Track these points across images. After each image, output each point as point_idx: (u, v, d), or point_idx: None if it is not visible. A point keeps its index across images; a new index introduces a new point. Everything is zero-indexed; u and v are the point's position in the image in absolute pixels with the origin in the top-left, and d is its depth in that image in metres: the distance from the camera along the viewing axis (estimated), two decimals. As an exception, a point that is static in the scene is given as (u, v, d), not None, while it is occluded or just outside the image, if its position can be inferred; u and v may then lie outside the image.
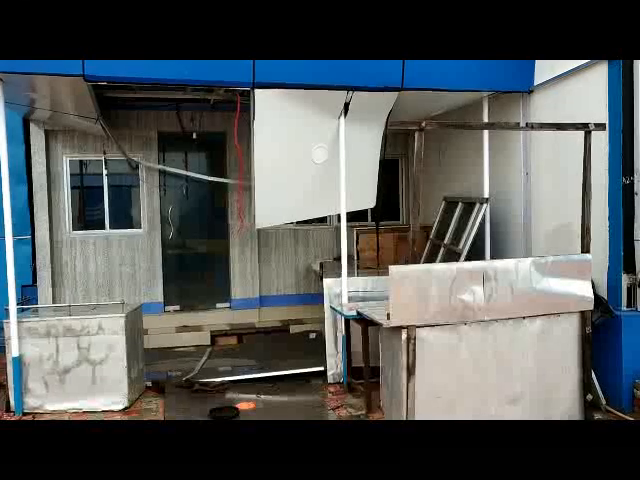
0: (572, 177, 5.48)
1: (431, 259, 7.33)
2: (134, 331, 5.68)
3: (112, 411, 5.39)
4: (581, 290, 4.67)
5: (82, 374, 5.36)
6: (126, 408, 5.43)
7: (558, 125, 4.56)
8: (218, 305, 8.52)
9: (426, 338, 4.43)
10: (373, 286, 6.15)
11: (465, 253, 6.09)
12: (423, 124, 4.23)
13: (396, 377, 4.58)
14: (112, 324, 5.37)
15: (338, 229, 8.70)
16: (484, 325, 4.53)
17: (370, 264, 7.59)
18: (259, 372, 6.29)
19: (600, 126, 4.65)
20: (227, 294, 8.54)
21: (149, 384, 6.09)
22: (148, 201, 8.08)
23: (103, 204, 7.99)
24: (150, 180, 8.08)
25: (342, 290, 5.99)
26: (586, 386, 4.72)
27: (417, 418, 4.41)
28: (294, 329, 8.16)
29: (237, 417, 5.19)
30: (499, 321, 4.55)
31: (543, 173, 5.95)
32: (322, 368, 6.19)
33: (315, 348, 7.08)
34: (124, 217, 8.19)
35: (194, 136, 7.74)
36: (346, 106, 5.81)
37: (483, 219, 6.23)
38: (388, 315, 4.40)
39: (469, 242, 6.10)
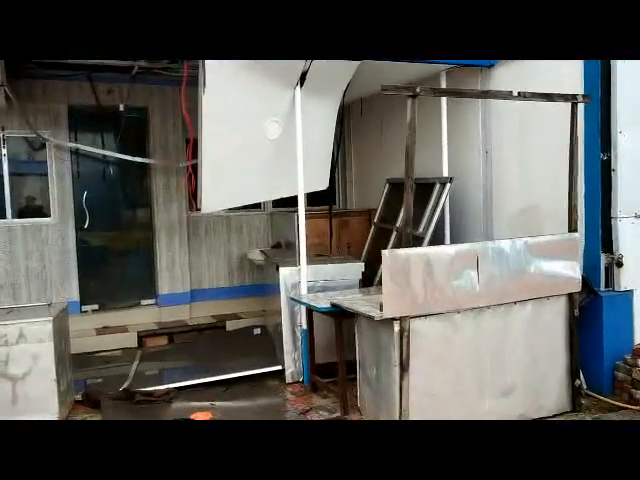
0: (539, 155, 5.30)
1: (377, 244, 6.94)
2: (61, 337, 4.78)
3: (39, 435, 4.47)
4: (569, 271, 4.45)
5: (-1, 393, 4.41)
6: (57, 430, 4.54)
7: (547, 95, 4.29)
8: (143, 302, 7.62)
9: (419, 330, 4.01)
10: (334, 274, 5.64)
11: (428, 237, 5.73)
12: (418, 89, 3.76)
13: (385, 374, 4.12)
14: (37, 331, 4.45)
15: (273, 215, 8.18)
16: (477, 313, 4.19)
17: (315, 251, 7.06)
18: (206, 376, 5.57)
19: (586, 97, 4.43)
20: (153, 289, 7.66)
21: (79, 398, 5.19)
22: (58, 185, 7.00)
23: (3, 189, 6.81)
24: (60, 161, 7.00)
25: (301, 280, 5.42)
26: (574, 371, 4.53)
27: (411, 418, 3.98)
28: (231, 325, 7.45)
29: (196, 431, 4.48)
30: (491, 307, 4.22)
31: (506, 152, 5.71)
32: (279, 367, 5.60)
33: (261, 345, 6.47)
34: (29, 204, 7.05)
35: (121, 108, 6.76)
36: (303, 75, 5.23)
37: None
38: (381, 306, 3.91)
39: (432, 225, 5.75)
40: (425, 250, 3.99)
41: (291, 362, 5.58)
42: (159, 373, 6.04)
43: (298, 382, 5.55)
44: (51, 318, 4.50)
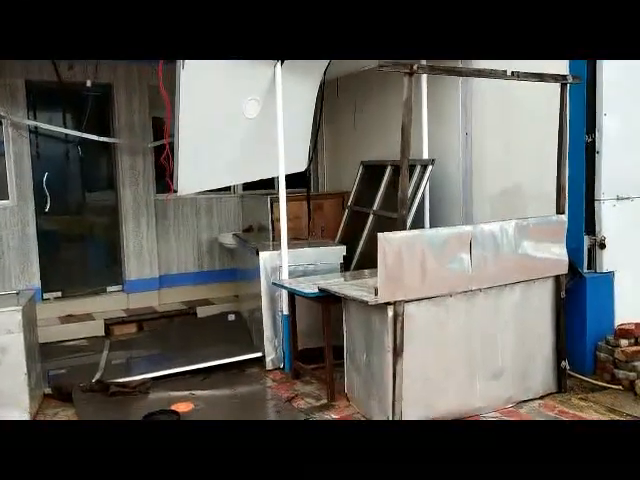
0: (522, 136, 5.27)
1: (352, 228, 6.85)
2: (30, 327, 4.49)
3: (9, 431, 4.20)
4: (556, 253, 4.45)
5: (-36, 388, 4.10)
6: (28, 426, 4.27)
7: (539, 75, 4.23)
8: (109, 289, 7.30)
9: (413, 314, 3.93)
10: (315, 258, 5.50)
11: (410, 221, 5.63)
12: (415, 66, 3.63)
13: (377, 360, 4.03)
14: (5, 321, 4.15)
15: (243, 198, 7.95)
16: (469, 296, 4.13)
17: (289, 235, 6.88)
18: (183, 365, 5.35)
19: (577, 78, 4.40)
20: (119, 275, 7.35)
21: (48, 391, 4.91)
22: (16, 166, 6.58)
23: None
24: (18, 140, 6.57)
25: (282, 264, 5.26)
26: (560, 353, 4.54)
27: (404, 405, 3.91)
28: (202, 311, 7.21)
29: (179, 422, 4.29)
30: (483, 291, 4.18)
31: (488, 133, 5.66)
32: (260, 354, 5.44)
33: (237, 332, 6.29)
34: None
35: (88, 84, 6.37)
36: (284, 52, 5.02)
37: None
38: (376, 290, 3.80)
39: (413, 209, 5.66)
40: (420, 233, 3.90)
41: (271, 349, 5.43)
42: (131, 363, 5.79)
43: (279, 369, 5.41)
44: (20, 308, 4.21)
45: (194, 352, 5.76)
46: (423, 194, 5.84)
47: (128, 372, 5.38)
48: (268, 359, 5.42)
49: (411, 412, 3.96)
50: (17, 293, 4.44)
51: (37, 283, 6.76)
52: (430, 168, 5.72)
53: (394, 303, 3.83)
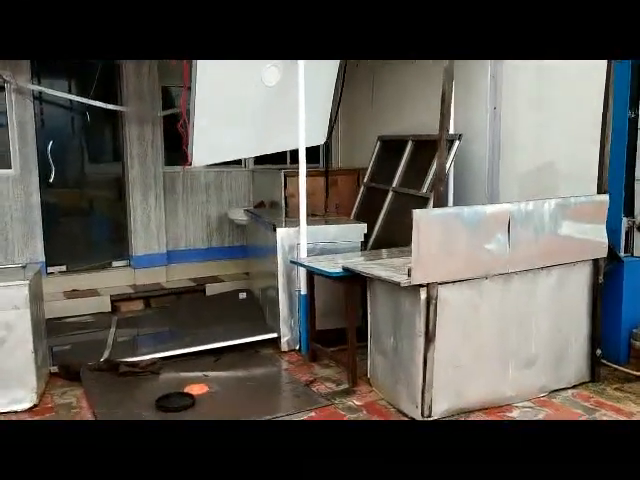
0: (555, 110, 4.97)
1: (368, 205, 6.58)
2: (36, 302, 4.24)
3: (14, 412, 3.98)
4: (596, 235, 4.19)
5: (-33, 366, 3.87)
6: (35, 406, 4.05)
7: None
8: (115, 264, 7.04)
9: (446, 297, 3.68)
10: (335, 236, 5.24)
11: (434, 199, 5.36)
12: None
13: (406, 345, 3.79)
14: (11, 296, 3.90)
15: (255, 172, 7.66)
16: (504, 279, 3.88)
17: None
18: (194, 345, 5.13)
19: (625, 52, 4.09)
20: (126, 250, 7.09)
21: (54, 369, 4.69)
22: (20, 134, 6.26)
23: None
24: (22, 107, 6.25)
25: (301, 242, 5.00)
26: (595, 340, 4.32)
27: (434, 392, 3.69)
28: (211, 289, 6.97)
29: (193, 406, 4.07)
30: (519, 274, 3.93)
31: (518, 107, 5.36)
32: (275, 335, 5.21)
33: (249, 311, 6.05)
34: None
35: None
36: (307, 16, 4.69)
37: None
38: (409, 271, 3.55)
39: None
40: (458, 211, 3.63)
41: (287, 329, 5.20)
42: (139, 341, 5.55)
43: (294, 350, 5.19)
44: (27, 282, 3.96)
45: (205, 331, 5.53)
46: (448, 172, 5.55)
47: (137, 351, 5.14)
48: (283, 340, 5.19)
49: (441, 400, 3.75)
50: (23, 267, 4.18)
51: (41, 257, 6.49)
52: (457, 144, 5.43)
53: (427, 285, 3.59)
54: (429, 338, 3.63)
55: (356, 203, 6.79)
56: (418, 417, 3.73)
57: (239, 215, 7.06)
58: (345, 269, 4.21)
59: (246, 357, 5.08)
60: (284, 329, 5.19)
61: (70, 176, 6.81)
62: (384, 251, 4.99)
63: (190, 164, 4.74)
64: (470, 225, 3.61)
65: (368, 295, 4.23)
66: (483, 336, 3.86)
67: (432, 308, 3.60)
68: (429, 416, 3.72)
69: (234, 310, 6.14)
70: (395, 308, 3.89)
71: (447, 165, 5.43)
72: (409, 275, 3.55)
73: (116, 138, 6.94)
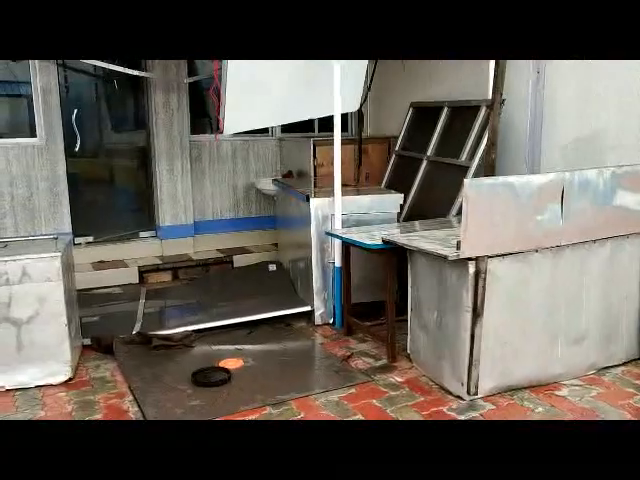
0: (603, 78, 4.70)
1: (400, 174, 6.38)
2: (69, 274, 4.15)
3: (50, 385, 3.92)
4: (652, 206, 3.96)
5: (1, 339, 3.79)
6: (70, 379, 3.99)
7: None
8: (142, 234, 6.95)
9: (495, 271, 3.50)
10: (370, 207, 5.06)
11: (474, 168, 5.16)
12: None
13: (452, 321, 3.64)
14: (43, 268, 3.80)
15: (282, 141, 7.46)
16: (555, 252, 3.69)
17: (330, 181, 6.41)
18: (226, 317, 5.03)
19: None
20: (153, 220, 6.98)
21: (86, 342, 4.62)
22: (44, 101, 6.12)
23: None
24: (46, 75, 6.09)
25: (336, 213, 4.84)
26: (647, 316, 4.13)
27: (480, 370, 3.55)
28: (239, 260, 6.87)
29: (230, 381, 3.98)
30: (570, 247, 3.73)
31: (563, 73, 5.07)
32: (308, 308, 5.09)
33: (279, 283, 5.92)
34: (11, 121, 6.20)
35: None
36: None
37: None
38: (458, 244, 3.37)
39: (478, 154, 5.15)
40: (512, 179, 3.42)
41: (320, 303, 5.07)
42: (170, 313, 5.45)
43: (327, 324, 5.07)
44: (59, 254, 3.85)
45: (236, 304, 5.43)
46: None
47: (168, 323, 5.06)
48: (317, 314, 5.07)
49: (487, 378, 3.61)
50: (55, 238, 4.08)
51: (68, 227, 6.41)
52: (502, 108, 5.15)
53: (476, 259, 3.42)
54: (477, 314, 3.48)
55: (387, 173, 6.60)
56: (464, 395, 3.60)
57: (267, 185, 6.90)
58: (385, 241, 4.04)
59: (279, 331, 4.98)
60: (317, 302, 5.06)
61: (95, 145, 6.69)
62: (420, 222, 4.80)
63: (222, 132, 4.56)
64: (522, 195, 3.41)
65: (409, 268, 4.07)
66: (531, 311, 3.69)
67: (481, 282, 3.43)
68: (475, 394, 3.59)
69: (264, 282, 6.01)
70: (439, 282, 3.73)
71: (487, 133, 5.21)
72: (458, 248, 3.37)
73: (141, 106, 6.77)
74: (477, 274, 3.42)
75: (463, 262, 3.44)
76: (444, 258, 3.46)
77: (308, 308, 5.08)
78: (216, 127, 4.65)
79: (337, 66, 4.58)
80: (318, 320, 5.07)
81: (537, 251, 3.61)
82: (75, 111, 6.32)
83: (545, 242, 3.59)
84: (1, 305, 3.75)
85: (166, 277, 6.59)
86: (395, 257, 4.15)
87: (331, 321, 5.07)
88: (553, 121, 5.22)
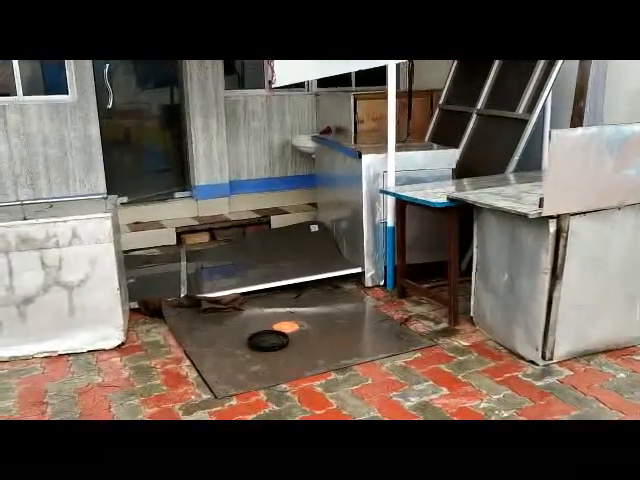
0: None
1: (445, 129, 6.08)
2: (117, 236, 3.98)
3: (102, 350, 3.80)
4: None
5: (52, 303, 3.66)
6: (122, 344, 3.87)
7: None
8: (177, 195, 6.76)
9: (576, 230, 3.27)
10: (424, 163, 4.81)
11: (534, 121, 4.85)
12: None
13: (526, 283, 3.44)
14: (93, 230, 3.63)
15: (319, 96, 7.16)
16: (637, 210, 3.44)
17: (372, 137, 6.14)
18: (273, 280, 4.87)
19: None
20: (187, 180, 6.78)
21: (134, 305, 4.49)
22: (75, 56, 5.87)
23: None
24: (76, 26, 5.81)
25: (389, 170, 4.60)
26: None
27: (557, 332, 3.36)
28: (276, 221, 6.68)
29: (287, 345, 3.83)
30: (653, 203, 3.47)
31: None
32: (359, 269, 4.91)
33: (321, 244, 5.71)
34: (43, 78, 5.97)
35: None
36: None
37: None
38: (540, 201, 3.14)
39: (539, 106, 4.84)
40: (599, 130, 3.16)
41: (371, 264, 4.88)
42: (214, 276, 5.29)
43: (378, 286, 4.89)
44: (109, 215, 3.68)
45: (279, 266, 5.25)
46: (545, 90, 4.99)
47: (213, 286, 4.90)
48: (367, 275, 4.89)
49: (562, 342, 3.42)
50: (105, 198, 3.90)
51: (102, 187, 6.23)
52: (560, 62, 4.83)
53: (557, 217, 3.18)
54: (556, 276, 3.27)
55: (430, 128, 6.30)
56: (538, 360, 3.43)
57: (304, 142, 6.64)
58: (452, 199, 3.81)
59: (328, 293, 4.81)
60: (368, 264, 4.87)
61: (128, 102, 6.44)
62: (476, 180, 4.55)
63: (270, 84, 4.30)
64: (611, 147, 3.15)
65: (474, 228, 3.85)
66: (610, 272, 3.47)
67: (562, 242, 3.21)
68: (550, 359, 3.41)
69: (306, 244, 5.81)
70: (511, 242, 3.51)
71: (548, 84, 4.89)
72: (540, 205, 3.14)
73: (175, 60, 6.48)
74: (558, 233, 3.20)
75: (542, 221, 3.21)
76: (524, 216, 3.23)
77: (358, 269, 4.89)
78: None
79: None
80: (369, 282, 4.89)
81: (619, 208, 3.37)
82: (107, 66, 6.06)
83: (630, 198, 3.34)
84: (52, 268, 3.60)
85: (203, 238, 6.43)
86: (459, 216, 3.92)
87: (382, 283, 4.89)
88: (617, 68, 4.88)
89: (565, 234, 3.20)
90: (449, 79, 6.29)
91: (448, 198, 3.83)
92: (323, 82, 6.93)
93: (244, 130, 6.86)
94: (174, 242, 6.27)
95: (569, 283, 3.33)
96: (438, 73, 6.48)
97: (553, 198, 3.09)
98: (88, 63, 5.91)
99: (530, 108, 4.94)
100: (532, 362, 3.46)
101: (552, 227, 3.20)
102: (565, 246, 3.22)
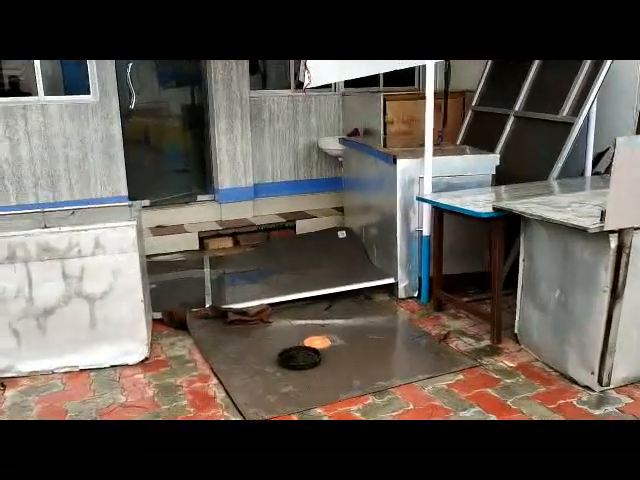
0: None
1: (478, 132, 5.82)
2: (142, 245, 3.78)
3: (125, 365, 3.61)
4: None
5: (73, 315, 3.47)
6: (146, 359, 3.67)
7: None
8: (200, 198, 6.57)
9: (637, 246, 3.00)
10: (463, 169, 4.56)
11: (579, 124, 4.58)
12: None
13: (581, 301, 3.17)
14: (117, 239, 3.43)
15: (346, 97, 6.94)
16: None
17: (402, 140, 5.90)
18: (302, 290, 4.64)
19: None
20: (211, 183, 6.59)
21: (157, 316, 4.30)
22: (98, 55, 5.69)
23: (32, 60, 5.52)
24: (98, 24, 5.64)
25: (425, 175, 4.35)
26: None
27: (615, 357, 3.09)
28: (302, 225, 6.45)
29: (319, 363, 3.61)
30: None
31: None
32: (392, 280, 4.67)
33: (350, 252, 5.47)
34: (64, 78, 5.80)
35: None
36: None
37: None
38: (602, 214, 2.88)
39: (586, 108, 4.56)
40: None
41: (404, 274, 4.64)
42: (238, 284, 5.07)
43: (412, 298, 4.65)
44: (134, 223, 3.48)
45: (308, 273, 5.04)
46: (591, 93, 4.70)
47: (239, 296, 4.68)
48: (401, 286, 4.65)
49: (619, 366, 3.16)
50: (130, 205, 3.71)
51: (124, 191, 6.06)
52: (609, 62, 4.55)
53: (619, 231, 2.92)
54: (617, 294, 3.00)
55: (462, 130, 6.05)
56: (594, 386, 3.16)
57: (331, 144, 6.42)
58: (497, 209, 3.55)
59: (359, 304, 4.58)
60: (401, 274, 4.63)
61: (150, 103, 6.26)
62: (518, 187, 4.29)
63: (303, 87, 4.08)
64: (681, 156, 2.88)
65: (521, 239, 3.60)
66: (672, 290, 3.20)
67: (624, 259, 2.95)
68: (608, 384, 3.15)
69: (334, 250, 5.57)
70: (565, 256, 3.25)
71: (596, 85, 4.61)
72: (602, 219, 2.88)
73: (199, 60, 6.29)
74: (620, 249, 2.93)
75: (602, 235, 2.95)
76: (582, 230, 2.96)
77: (391, 280, 4.65)
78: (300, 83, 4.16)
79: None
80: (402, 293, 4.65)
81: (684, 221, 3.09)
82: (129, 66, 5.89)
83: (697, 211, 3.06)
84: (73, 279, 3.41)
85: (227, 243, 6.23)
86: (504, 227, 3.67)
87: (416, 295, 4.65)
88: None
89: (628, 250, 2.94)
90: (483, 79, 6.03)
91: (494, 208, 3.57)
92: (350, 82, 6.70)
93: (269, 131, 6.65)
94: (197, 247, 6.07)
95: (630, 302, 3.06)
96: (470, 73, 6.22)
97: (616, 211, 2.83)
98: (110, 63, 5.73)
99: (575, 111, 4.67)
100: (587, 387, 3.20)
101: (613, 242, 2.94)
102: (627, 263, 2.96)
